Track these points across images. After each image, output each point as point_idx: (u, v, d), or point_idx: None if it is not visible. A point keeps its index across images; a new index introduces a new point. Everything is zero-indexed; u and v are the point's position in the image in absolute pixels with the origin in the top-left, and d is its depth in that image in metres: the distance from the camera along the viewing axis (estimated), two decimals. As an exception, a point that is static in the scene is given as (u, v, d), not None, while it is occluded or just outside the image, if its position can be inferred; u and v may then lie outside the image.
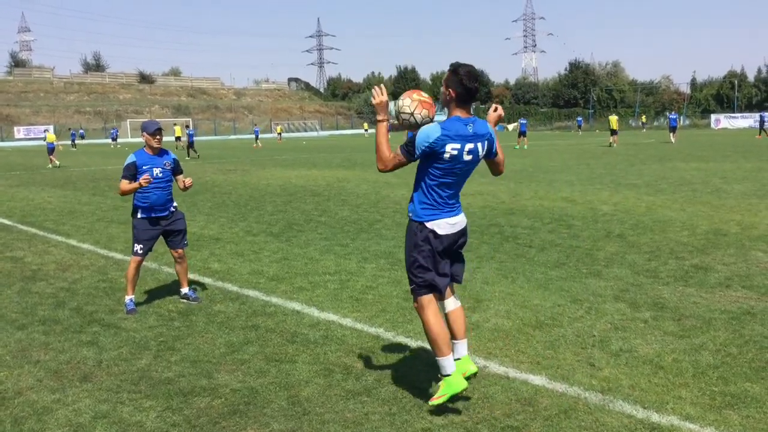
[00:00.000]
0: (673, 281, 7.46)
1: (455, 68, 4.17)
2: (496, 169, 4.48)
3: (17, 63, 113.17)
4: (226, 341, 5.82)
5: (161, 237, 7.11)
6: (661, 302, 6.64)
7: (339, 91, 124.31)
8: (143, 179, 6.60)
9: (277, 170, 25.90)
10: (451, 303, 4.49)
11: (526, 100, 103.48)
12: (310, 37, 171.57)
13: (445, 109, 4.25)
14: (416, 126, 4.24)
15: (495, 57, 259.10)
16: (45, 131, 43.12)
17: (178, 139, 47.40)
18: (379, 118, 4.24)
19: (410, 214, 4.35)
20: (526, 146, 40.20)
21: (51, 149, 32.13)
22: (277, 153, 41.06)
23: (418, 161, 4.19)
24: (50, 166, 31.37)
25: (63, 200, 17.02)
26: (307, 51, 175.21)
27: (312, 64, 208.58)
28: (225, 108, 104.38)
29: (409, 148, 4.10)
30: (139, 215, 6.90)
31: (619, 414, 4.22)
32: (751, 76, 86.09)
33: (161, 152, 6.94)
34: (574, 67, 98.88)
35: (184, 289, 7.22)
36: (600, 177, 19.72)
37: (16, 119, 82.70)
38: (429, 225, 4.21)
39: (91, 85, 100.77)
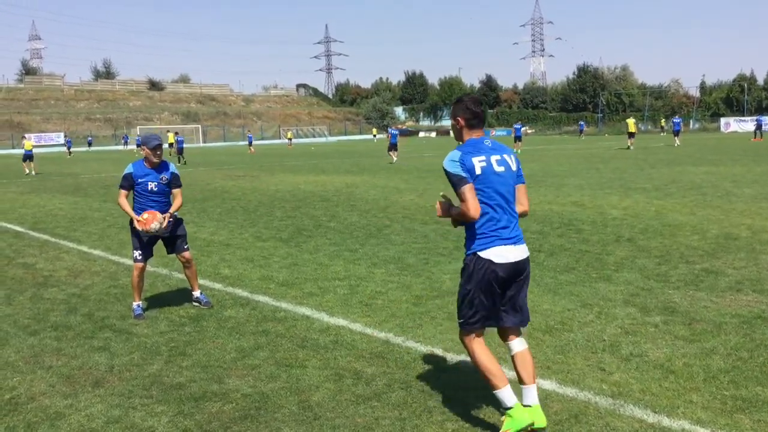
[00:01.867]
0: (684, 285, 7.44)
1: (460, 98, 4.22)
2: (522, 199, 4.23)
3: (28, 71, 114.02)
4: (237, 346, 5.84)
5: (164, 246, 7.25)
6: (671, 306, 6.63)
7: (347, 96, 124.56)
8: (139, 222, 6.78)
9: (286, 176, 25.97)
10: (517, 344, 4.20)
11: (534, 105, 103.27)
12: (318, 43, 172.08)
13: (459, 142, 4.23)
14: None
15: (503, 62, 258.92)
16: (23, 138, 43.17)
17: (170, 145, 48.06)
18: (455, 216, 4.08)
19: (466, 251, 4.12)
20: (519, 151, 40.12)
21: (28, 156, 32.46)
22: (286, 159, 41.14)
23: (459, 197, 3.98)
24: (27, 172, 31.83)
25: (74, 207, 17.13)
26: (315, 57, 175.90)
27: (320, 70, 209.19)
28: (234, 114, 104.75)
29: (457, 180, 3.93)
30: (136, 224, 6.96)
31: (630, 418, 4.22)
32: (760, 80, 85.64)
33: (161, 166, 6.99)
34: (583, 71, 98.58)
35: (196, 293, 7.28)
36: (609, 181, 19.66)
37: (27, 126, 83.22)
38: (483, 255, 3.98)
39: (101, 93, 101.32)
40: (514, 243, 4.05)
